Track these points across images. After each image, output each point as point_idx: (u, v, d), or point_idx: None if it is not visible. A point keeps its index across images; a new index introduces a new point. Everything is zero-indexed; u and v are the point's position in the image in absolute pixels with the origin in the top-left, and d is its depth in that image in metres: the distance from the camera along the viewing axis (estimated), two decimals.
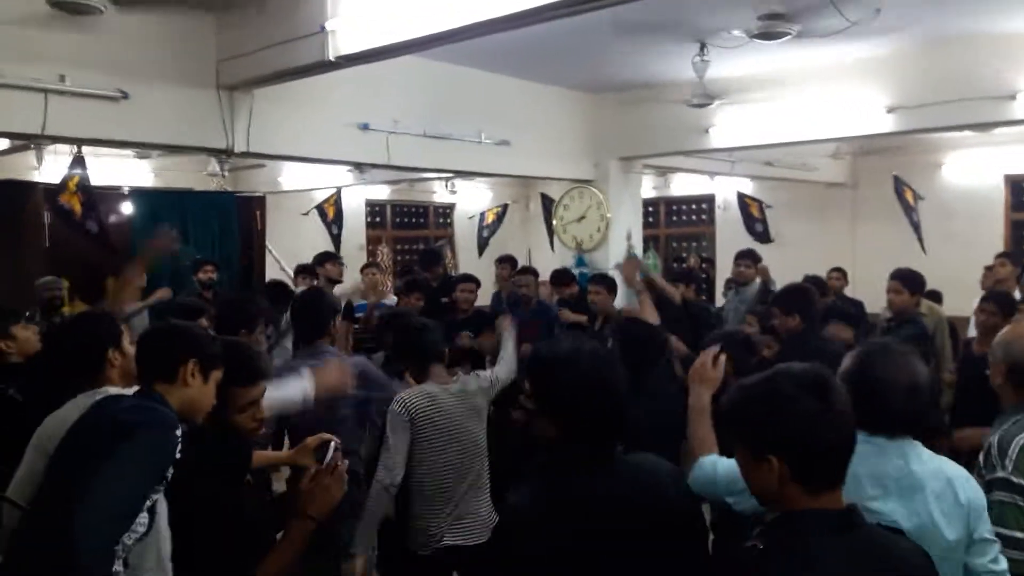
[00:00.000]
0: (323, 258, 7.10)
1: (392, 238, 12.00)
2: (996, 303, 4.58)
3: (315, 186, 10.00)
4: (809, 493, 1.48)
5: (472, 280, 6.49)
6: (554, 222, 7.91)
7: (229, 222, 8.66)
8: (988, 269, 7.48)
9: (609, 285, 5.62)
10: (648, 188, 10.35)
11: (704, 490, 1.99)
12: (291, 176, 9.69)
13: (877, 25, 5.09)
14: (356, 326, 6.60)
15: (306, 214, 10.34)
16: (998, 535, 2.18)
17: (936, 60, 5.81)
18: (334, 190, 10.20)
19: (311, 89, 5.13)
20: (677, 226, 12.71)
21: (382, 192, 11.43)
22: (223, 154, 5.27)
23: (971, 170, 9.79)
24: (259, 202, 9.28)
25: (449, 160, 6.41)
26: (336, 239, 10.24)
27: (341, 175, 9.43)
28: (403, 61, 5.47)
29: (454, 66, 6.19)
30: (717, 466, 2.00)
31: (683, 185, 11.90)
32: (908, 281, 4.85)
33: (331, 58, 4.20)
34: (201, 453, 1.97)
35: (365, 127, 5.57)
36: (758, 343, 4.29)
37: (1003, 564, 1.95)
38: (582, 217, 7.44)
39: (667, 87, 6.87)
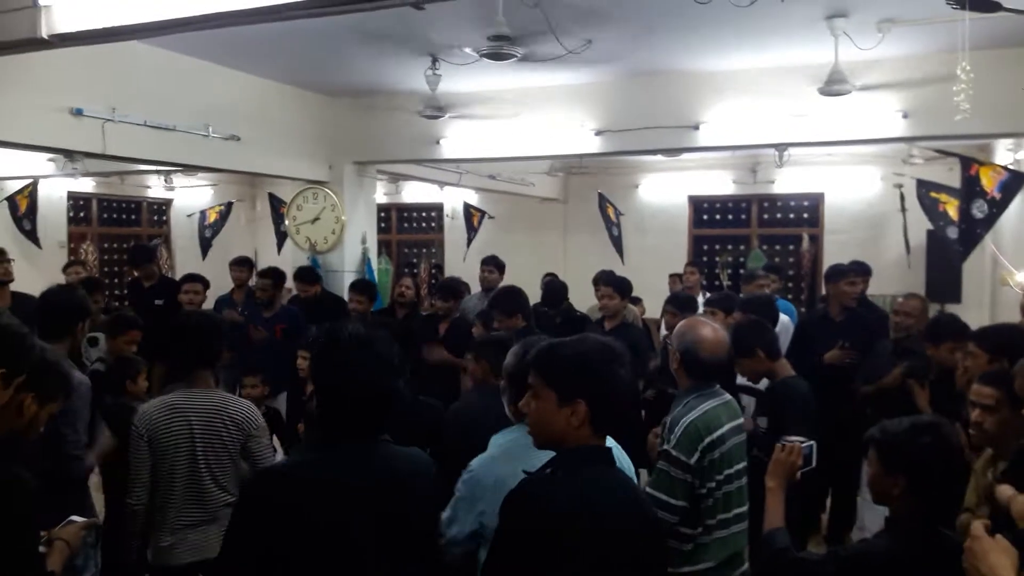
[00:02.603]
0: None
1: (98, 235, 10.98)
2: (675, 304, 5.41)
3: (5, 174, 8.87)
4: (595, 435, 1.86)
5: (198, 280, 6.21)
6: (287, 222, 7.76)
7: None
8: (673, 276, 8.60)
9: (371, 294, 6.06)
10: (380, 194, 10.52)
11: None
12: None
13: (589, 56, 5.72)
14: None
15: None
16: (651, 495, 2.66)
17: (636, 91, 6.61)
18: (29, 180, 9.16)
19: (15, 65, 4.62)
20: (408, 232, 13.01)
21: (87, 185, 10.43)
22: None
23: (662, 191, 11.18)
24: None
25: (173, 152, 6.07)
26: (31, 235, 9.20)
27: (39, 164, 8.48)
28: (125, 45, 5.14)
29: (182, 56, 5.90)
30: None
31: (414, 193, 12.22)
32: (619, 287, 5.57)
33: (44, 36, 3.85)
34: None
35: (79, 112, 5.12)
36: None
37: None
38: (316, 219, 7.40)
39: (402, 96, 7.09)
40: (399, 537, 1.88)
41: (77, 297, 3.87)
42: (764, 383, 3.85)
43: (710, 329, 2.93)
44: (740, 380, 4.05)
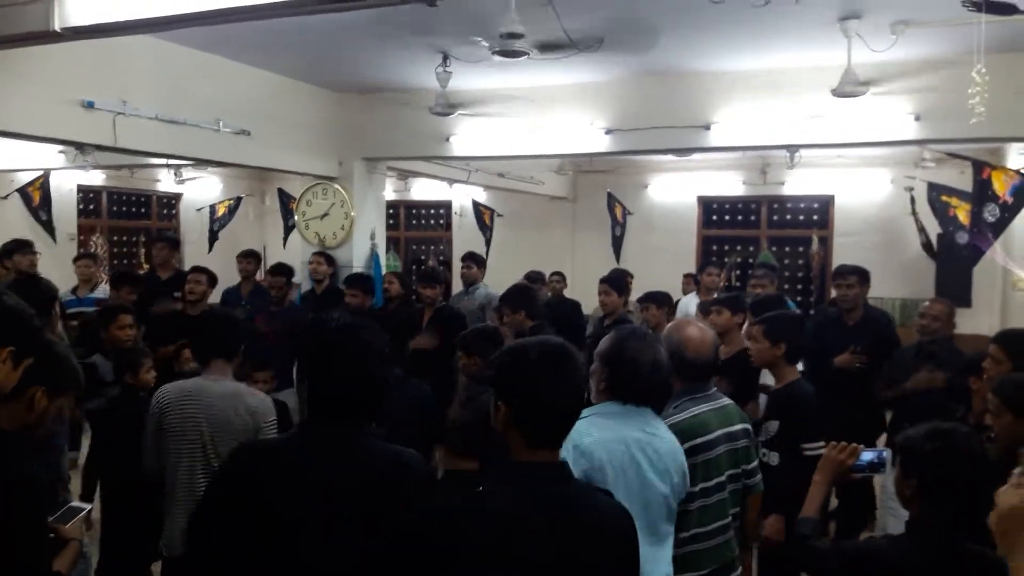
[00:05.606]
0: (12, 248, 6.19)
1: (108, 228, 11.01)
2: (651, 300, 5.41)
3: (13, 166, 8.90)
4: (528, 447, 1.72)
5: (202, 271, 6.19)
6: (296, 217, 7.78)
7: None
8: (687, 276, 8.58)
9: (366, 288, 6.05)
10: (389, 191, 10.53)
11: None
12: None
13: (601, 54, 5.69)
14: (73, 322, 6.04)
15: (5, 197, 9.22)
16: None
17: (647, 90, 6.58)
18: (39, 172, 9.20)
19: (25, 57, 4.64)
20: (417, 229, 13.03)
21: (97, 178, 10.45)
22: None
23: (671, 190, 11.16)
24: None
25: (184, 146, 6.07)
26: (47, 226, 9.29)
27: (49, 156, 8.50)
28: (137, 39, 5.15)
29: (193, 50, 5.90)
30: None
31: (423, 190, 12.23)
32: (614, 284, 5.59)
33: (56, 28, 3.86)
34: None
35: (90, 105, 5.13)
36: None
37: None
38: (325, 214, 7.41)
39: (412, 93, 7.07)
40: (364, 536, 1.77)
41: (43, 286, 3.95)
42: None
43: (696, 328, 2.85)
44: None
